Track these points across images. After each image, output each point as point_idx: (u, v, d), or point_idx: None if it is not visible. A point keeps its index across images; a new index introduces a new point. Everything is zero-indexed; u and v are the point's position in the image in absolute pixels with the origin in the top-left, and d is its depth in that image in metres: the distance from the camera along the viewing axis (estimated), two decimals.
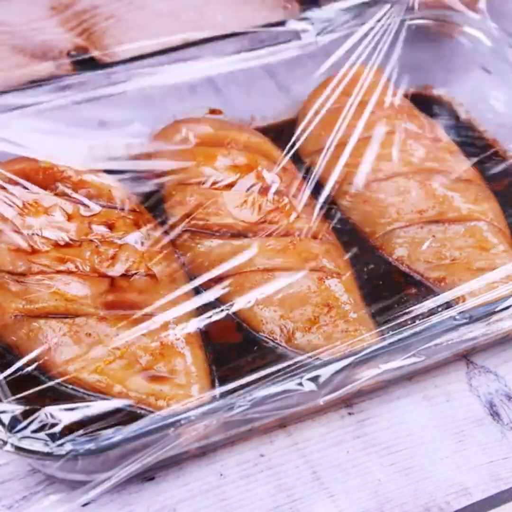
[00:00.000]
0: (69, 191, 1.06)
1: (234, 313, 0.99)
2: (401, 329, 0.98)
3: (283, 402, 0.87)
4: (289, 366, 0.94)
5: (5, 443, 0.80)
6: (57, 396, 0.91)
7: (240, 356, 0.96)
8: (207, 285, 1.02)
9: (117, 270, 0.98)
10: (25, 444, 0.80)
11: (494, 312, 0.93)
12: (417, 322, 0.99)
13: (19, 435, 0.81)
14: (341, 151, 1.14)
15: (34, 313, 0.94)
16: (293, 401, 0.89)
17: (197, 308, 1.00)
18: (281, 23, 1.49)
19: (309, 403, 0.91)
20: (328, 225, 1.08)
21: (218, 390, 0.92)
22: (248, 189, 1.07)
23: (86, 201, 1.05)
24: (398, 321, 0.99)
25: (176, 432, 0.83)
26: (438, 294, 1.02)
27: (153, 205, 1.10)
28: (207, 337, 0.98)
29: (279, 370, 0.94)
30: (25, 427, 0.81)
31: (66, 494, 0.88)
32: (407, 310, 1.01)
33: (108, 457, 0.81)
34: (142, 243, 1.01)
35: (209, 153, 1.11)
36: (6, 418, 0.82)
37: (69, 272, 0.97)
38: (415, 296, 1.02)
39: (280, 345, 0.97)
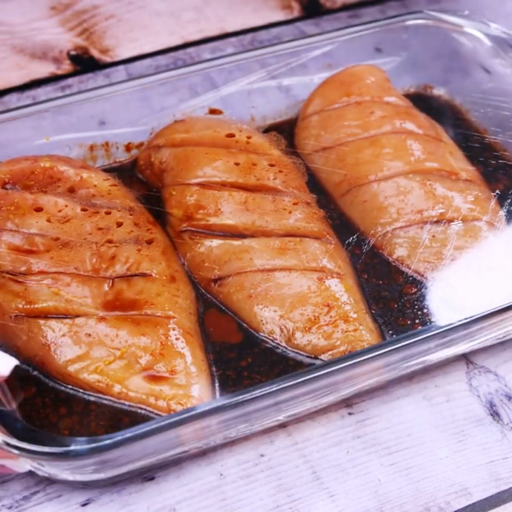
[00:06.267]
0: (69, 191, 1.06)
1: (234, 313, 1.00)
2: (401, 329, 0.99)
3: (283, 402, 0.87)
4: (289, 366, 0.95)
5: (5, 443, 0.80)
6: (57, 396, 0.91)
7: (240, 356, 0.96)
8: (207, 285, 1.02)
9: (117, 270, 0.98)
10: (25, 444, 0.80)
11: (494, 312, 0.93)
12: (417, 322, 1.00)
13: (19, 435, 0.81)
14: (341, 151, 1.15)
15: (34, 313, 0.94)
16: (293, 401, 0.89)
17: (197, 308, 1.00)
18: (281, 23, 1.50)
19: (309, 403, 0.91)
20: (328, 224, 1.08)
21: (218, 390, 0.92)
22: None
23: (85, 201, 1.05)
24: (398, 321, 1.00)
25: (176, 432, 0.83)
26: (438, 294, 1.02)
27: (153, 205, 1.10)
28: (207, 337, 0.98)
29: (278, 370, 0.94)
30: (25, 427, 0.82)
31: (66, 494, 0.89)
32: (407, 310, 1.01)
33: (108, 457, 0.81)
34: (142, 243, 1.01)
35: (209, 153, 1.11)
36: (6, 419, 0.82)
37: (69, 273, 0.97)
38: (415, 296, 1.02)
39: (280, 345, 0.97)
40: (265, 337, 0.97)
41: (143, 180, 1.16)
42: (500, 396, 0.98)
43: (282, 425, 0.94)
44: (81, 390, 0.91)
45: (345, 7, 1.53)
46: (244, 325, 0.99)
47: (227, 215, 1.05)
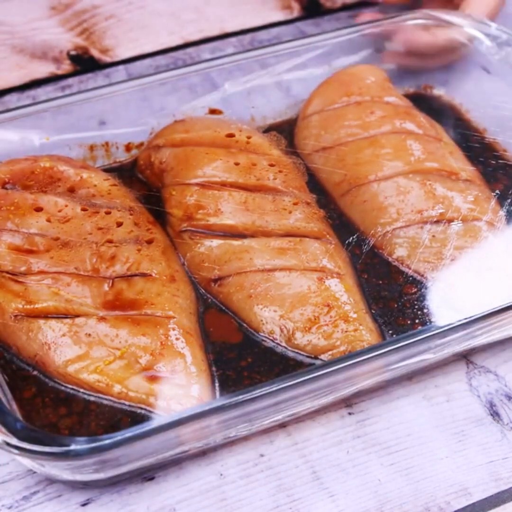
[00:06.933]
0: (69, 191, 1.06)
1: (234, 313, 1.00)
2: (401, 329, 0.99)
3: (282, 402, 0.87)
4: (289, 366, 0.95)
5: (5, 443, 0.80)
6: (57, 396, 0.91)
7: (240, 356, 0.96)
8: (207, 285, 1.02)
9: (117, 270, 0.98)
10: (25, 444, 0.80)
11: (494, 312, 0.93)
12: (417, 322, 1.00)
13: (19, 435, 0.81)
14: (341, 151, 1.14)
15: (34, 313, 0.94)
16: (293, 401, 0.89)
17: (197, 308, 1.00)
18: (281, 23, 1.50)
19: (309, 403, 0.91)
20: (328, 224, 1.08)
21: (218, 390, 0.92)
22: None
23: (86, 201, 1.05)
24: (398, 321, 1.00)
25: (176, 432, 0.83)
26: (438, 294, 1.02)
27: (153, 205, 1.10)
28: (207, 337, 0.98)
29: (278, 370, 0.94)
30: (25, 427, 0.82)
31: (66, 494, 0.89)
32: (407, 310, 1.01)
33: (108, 457, 0.81)
34: (142, 243, 1.01)
35: (209, 153, 1.11)
36: (6, 418, 0.82)
37: (69, 272, 0.97)
38: (415, 296, 1.02)
39: (280, 345, 0.97)
40: (265, 337, 0.97)
41: (143, 180, 1.16)
42: (500, 396, 0.98)
43: (282, 425, 0.94)
44: (81, 390, 0.91)
45: (345, 7, 1.53)
46: (244, 325, 0.99)
47: (227, 215, 1.05)
